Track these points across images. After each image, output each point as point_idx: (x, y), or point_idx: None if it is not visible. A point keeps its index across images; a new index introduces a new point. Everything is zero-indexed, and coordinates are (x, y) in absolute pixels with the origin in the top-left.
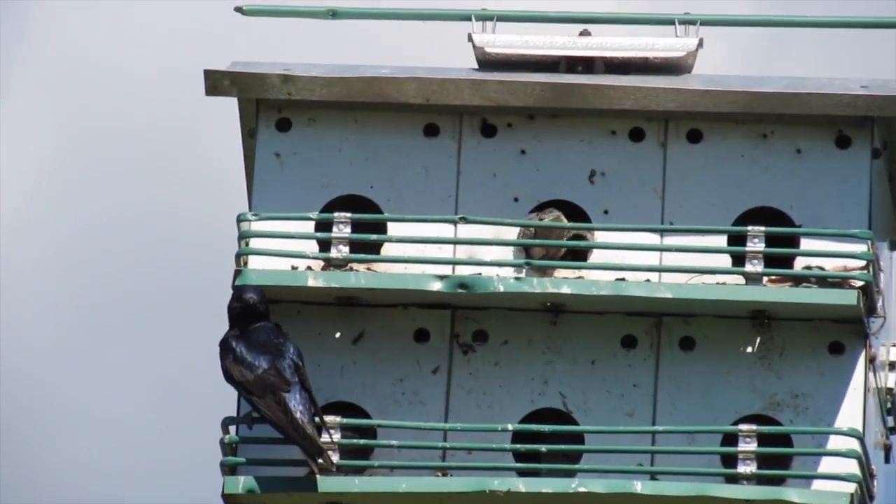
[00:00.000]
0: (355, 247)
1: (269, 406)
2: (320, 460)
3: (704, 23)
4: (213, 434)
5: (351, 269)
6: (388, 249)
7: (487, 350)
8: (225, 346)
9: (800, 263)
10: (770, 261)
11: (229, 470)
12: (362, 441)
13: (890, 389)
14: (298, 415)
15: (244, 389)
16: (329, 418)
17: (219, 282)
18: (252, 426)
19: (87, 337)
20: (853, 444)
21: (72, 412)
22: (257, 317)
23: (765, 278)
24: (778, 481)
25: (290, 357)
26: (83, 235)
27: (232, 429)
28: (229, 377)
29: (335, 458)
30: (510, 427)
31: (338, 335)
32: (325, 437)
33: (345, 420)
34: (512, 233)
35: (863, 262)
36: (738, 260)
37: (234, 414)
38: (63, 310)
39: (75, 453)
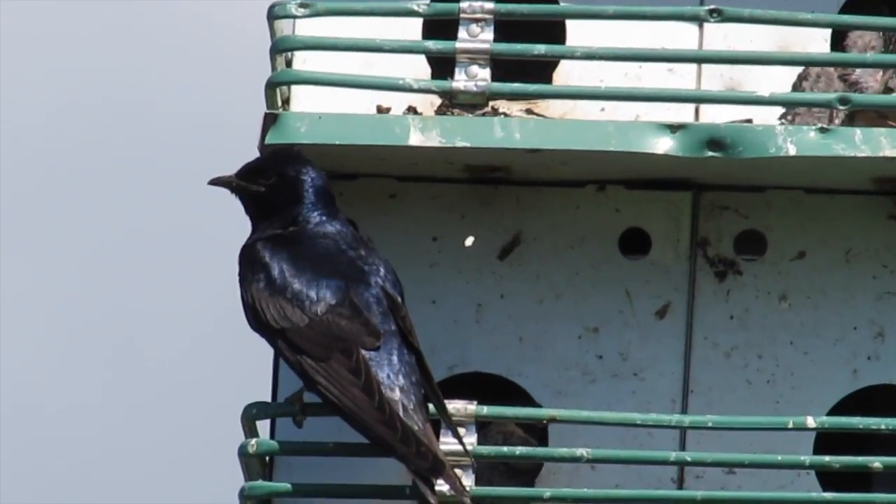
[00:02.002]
0: (502, 69)
1: (337, 378)
2: (441, 484)
3: None
4: (224, 433)
5: (495, 112)
6: (566, 74)
7: (765, 271)
8: (251, 258)
9: None
10: None
11: None
12: (520, 450)
13: None
14: (398, 394)
15: (288, 344)
16: (455, 405)
17: (234, 130)
18: (303, 420)
19: None
20: None
21: None
22: (306, 209)
23: None
24: None
25: (380, 283)
26: None
27: (263, 425)
28: (258, 319)
29: (469, 481)
30: (811, 422)
31: (470, 242)
32: (446, 442)
33: (487, 409)
34: (805, 41)
35: None
36: None
37: (268, 396)
38: None
39: None
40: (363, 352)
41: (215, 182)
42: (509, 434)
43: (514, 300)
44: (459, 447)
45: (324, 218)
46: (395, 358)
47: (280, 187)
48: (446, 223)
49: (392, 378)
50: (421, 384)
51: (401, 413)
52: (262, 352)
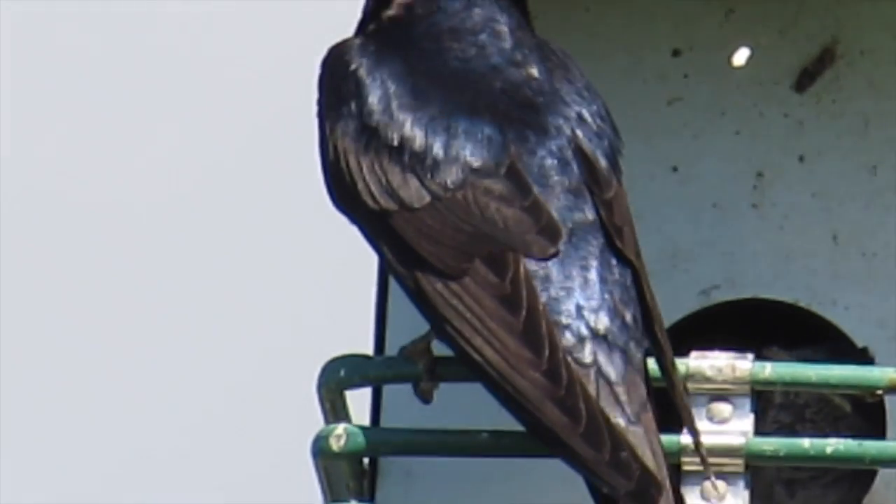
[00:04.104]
0: None
1: (477, 311)
2: None
3: None
4: (287, 413)
5: None
6: None
7: None
8: (337, 71)
9: None
10: None
11: None
12: (835, 444)
13: None
14: (591, 348)
15: (394, 243)
16: (712, 361)
17: None
18: (433, 390)
19: None
20: None
21: None
22: None
23: None
24: None
25: (569, 132)
26: None
27: (359, 400)
28: (344, 189)
29: None
30: None
31: (742, 60)
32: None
33: (773, 369)
34: None
35: None
36: None
37: (368, 346)
38: None
39: None
40: (528, 263)
41: None
42: (827, 416)
43: (823, 165)
44: (717, 441)
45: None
46: (592, 274)
47: None
48: (697, 23)
49: (585, 314)
50: (641, 326)
51: (593, 385)
52: (357, 258)
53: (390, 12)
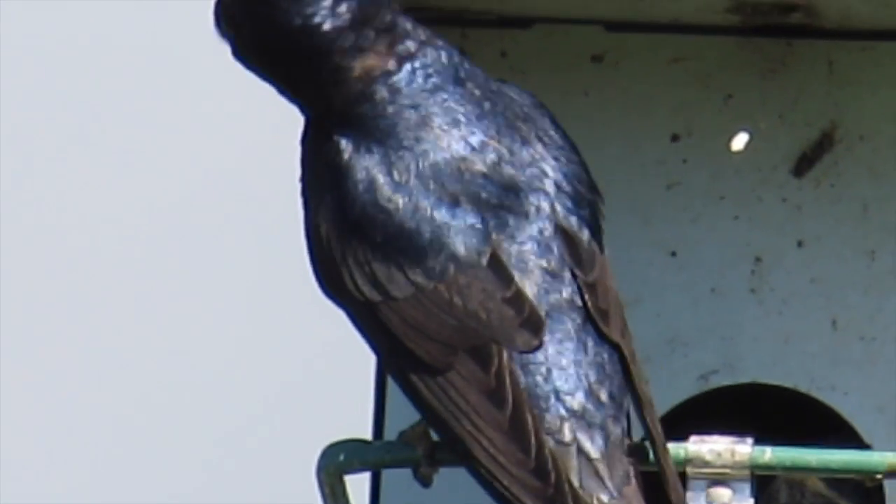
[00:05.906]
0: None
1: (462, 405)
2: None
3: None
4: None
5: None
6: None
7: None
8: (316, 155)
9: None
10: None
11: None
12: None
13: None
14: (568, 432)
15: (380, 333)
16: (711, 445)
17: None
18: (433, 475)
19: None
20: None
21: None
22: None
23: None
24: None
25: (548, 209)
26: None
27: (359, 485)
28: (331, 278)
29: None
30: None
31: (741, 144)
32: None
33: (773, 453)
34: None
35: None
36: None
37: (367, 430)
38: None
39: None
40: (511, 356)
41: None
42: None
43: (822, 250)
44: None
45: (398, 70)
46: (567, 357)
47: (251, 35)
48: (696, 108)
49: (562, 397)
50: (621, 403)
51: (575, 463)
52: (354, 342)
53: (354, 102)
